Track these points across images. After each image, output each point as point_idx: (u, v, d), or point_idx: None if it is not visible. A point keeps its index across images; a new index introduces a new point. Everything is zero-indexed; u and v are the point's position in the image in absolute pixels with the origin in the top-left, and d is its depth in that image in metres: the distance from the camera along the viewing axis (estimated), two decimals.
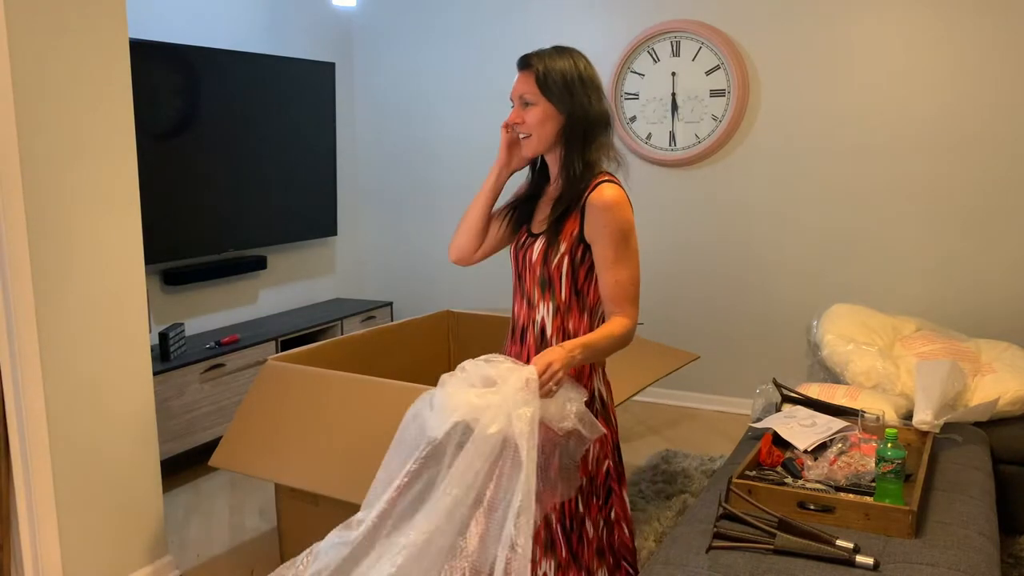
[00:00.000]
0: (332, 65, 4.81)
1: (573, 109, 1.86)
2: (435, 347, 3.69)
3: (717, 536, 1.97)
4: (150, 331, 2.96)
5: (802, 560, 1.88)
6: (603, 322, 1.92)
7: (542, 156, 1.98)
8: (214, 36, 4.28)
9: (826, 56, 4.09)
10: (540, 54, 1.88)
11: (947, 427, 2.74)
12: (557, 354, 1.73)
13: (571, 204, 1.87)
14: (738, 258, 4.42)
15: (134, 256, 2.67)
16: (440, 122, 5.12)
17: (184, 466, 3.86)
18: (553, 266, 1.89)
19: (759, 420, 2.75)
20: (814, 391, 3.01)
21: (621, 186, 1.88)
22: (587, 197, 1.85)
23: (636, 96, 4.52)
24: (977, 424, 2.90)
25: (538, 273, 1.92)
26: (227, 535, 3.20)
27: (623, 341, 1.85)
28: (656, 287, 4.63)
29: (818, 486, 2.21)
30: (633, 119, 4.55)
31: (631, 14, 4.49)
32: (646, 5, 4.44)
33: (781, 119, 4.23)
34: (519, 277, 1.99)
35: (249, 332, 4.23)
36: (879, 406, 2.82)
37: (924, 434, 2.63)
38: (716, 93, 4.33)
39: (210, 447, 3.83)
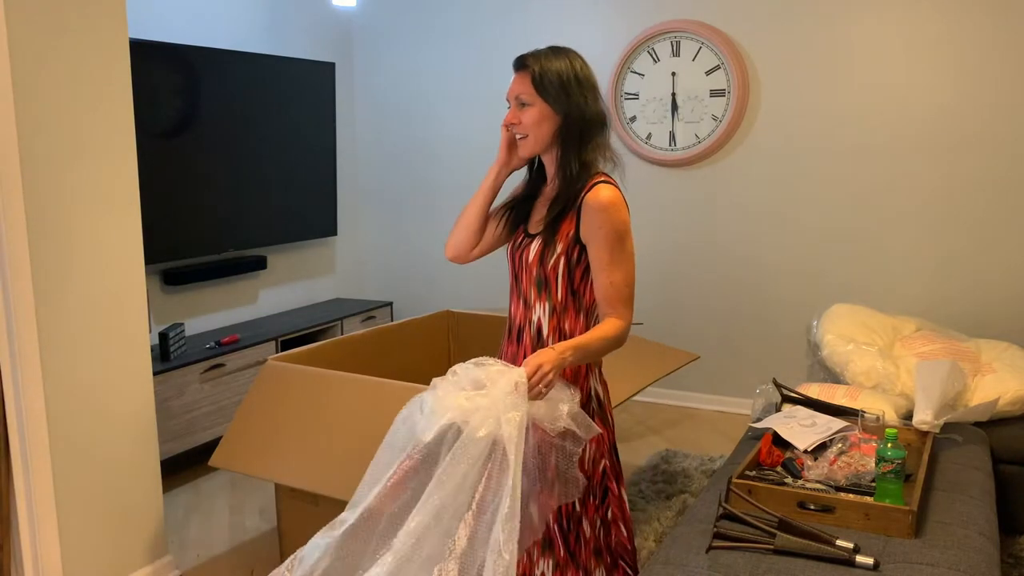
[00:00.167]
0: (332, 65, 4.81)
1: (569, 109, 1.86)
2: (435, 347, 3.68)
3: (717, 536, 1.97)
4: (150, 331, 2.96)
5: (802, 560, 1.88)
6: (599, 322, 1.92)
7: (539, 156, 1.98)
8: (214, 36, 4.28)
9: (826, 56, 4.09)
10: (536, 55, 1.88)
11: (947, 427, 2.74)
12: (547, 356, 1.73)
13: (568, 205, 1.87)
14: (738, 258, 4.42)
15: (134, 256, 2.67)
16: (440, 122, 5.12)
17: (184, 466, 3.86)
18: (549, 267, 1.89)
19: (759, 420, 2.75)
20: (814, 391, 3.01)
21: (617, 187, 1.88)
22: (583, 198, 1.85)
23: (636, 96, 4.52)
24: (977, 424, 2.90)
25: (534, 273, 1.92)
26: (227, 535, 3.20)
27: (616, 342, 1.85)
28: (656, 287, 4.63)
29: (818, 486, 2.21)
30: (633, 119, 4.55)
31: (631, 14, 4.49)
32: (646, 5, 4.44)
33: (781, 119, 4.23)
34: (515, 277, 1.99)
35: (249, 332, 4.23)
36: (879, 406, 2.82)
37: (924, 434, 2.63)
38: (716, 93, 4.33)
39: (210, 447, 3.83)
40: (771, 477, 2.28)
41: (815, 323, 3.60)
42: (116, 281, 2.61)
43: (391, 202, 5.38)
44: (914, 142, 3.97)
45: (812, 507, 2.09)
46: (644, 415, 4.50)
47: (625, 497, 2.07)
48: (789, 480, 2.27)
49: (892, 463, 2.07)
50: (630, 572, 2.08)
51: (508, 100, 1.92)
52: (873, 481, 2.18)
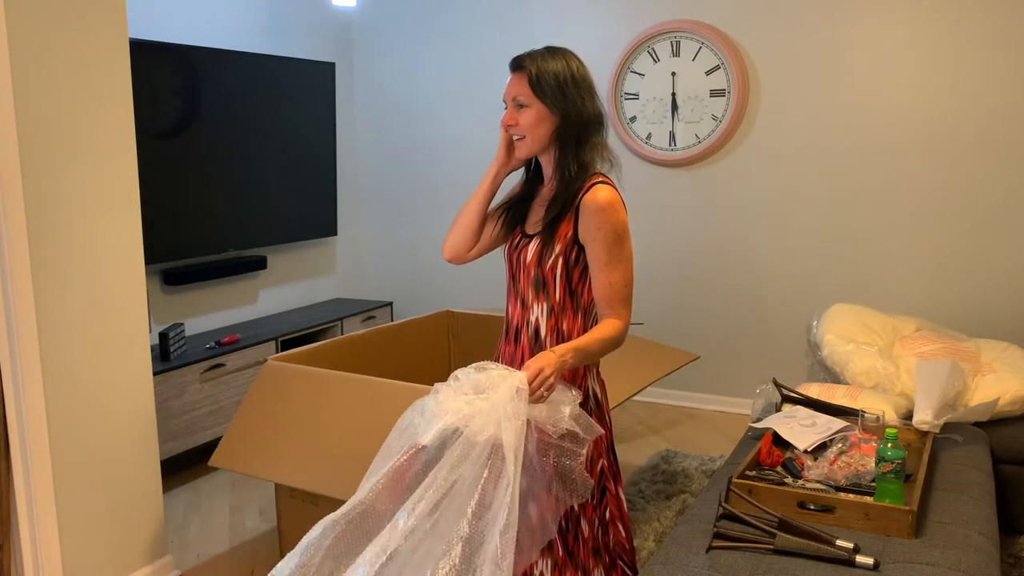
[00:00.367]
0: (332, 65, 4.81)
1: (567, 110, 1.85)
2: (435, 347, 3.69)
3: (717, 536, 1.97)
4: (150, 331, 2.96)
5: (802, 560, 1.88)
6: (597, 323, 1.92)
7: (536, 157, 1.98)
8: (214, 36, 4.28)
9: (826, 56, 4.09)
10: (532, 55, 1.88)
11: (947, 427, 2.74)
12: (548, 360, 1.72)
13: (566, 205, 1.87)
14: (738, 258, 4.42)
15: (134, 256, 2.67)
16: (440, 122, 5.13)
17: (184, 466, 3.86)
18: (548, 267, 1.89)
19: (759, 420, 2.75)
20: (814, 391, 3.01)
21: (615, 187, 1.88)
22: (581, 198, 1.84)
23: (636, 96, 4.52)
24: (977, 424, 2.90)
25: (532, 274, 1.92)
26: (227, 535, 3.20)
27: (615, 343, 1.85)
28: (656, 287, 4.63)
29: (818, 486, 2.21)
30: (633, 119, 4.55)
31: (631, 14, 4.49)
32: (646, 5, 4.44)
33: (781, 119, 4.23)
34: (513, 278, 1.99)
35: (249, 332, 4.23)
36: (879, 406, 2.82)
37: (924, 434, 2.63)
38: (716, 93, 4.33)
39: (210, 447, 3.83)
40: (771, 477, 2.28)
41: (815, 323, 3.60)
42: (116, 281, 2.61)
43: (391, 202, 5.38)
44: (914, 142, 3.97)
45: (812, 507, 2.09)
46: (644, 415, 4.50)
47: (623, 497, 2.07)
48: (789, 480, 2.27)
49: (892, 463, 2.07)
50: (629, 572, 2.08)
51: (505, 101, 1.92)
52: (873, 481, 2.18)
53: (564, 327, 1.91)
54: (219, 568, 2.96)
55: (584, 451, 1.79)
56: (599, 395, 2.00)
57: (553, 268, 1.89)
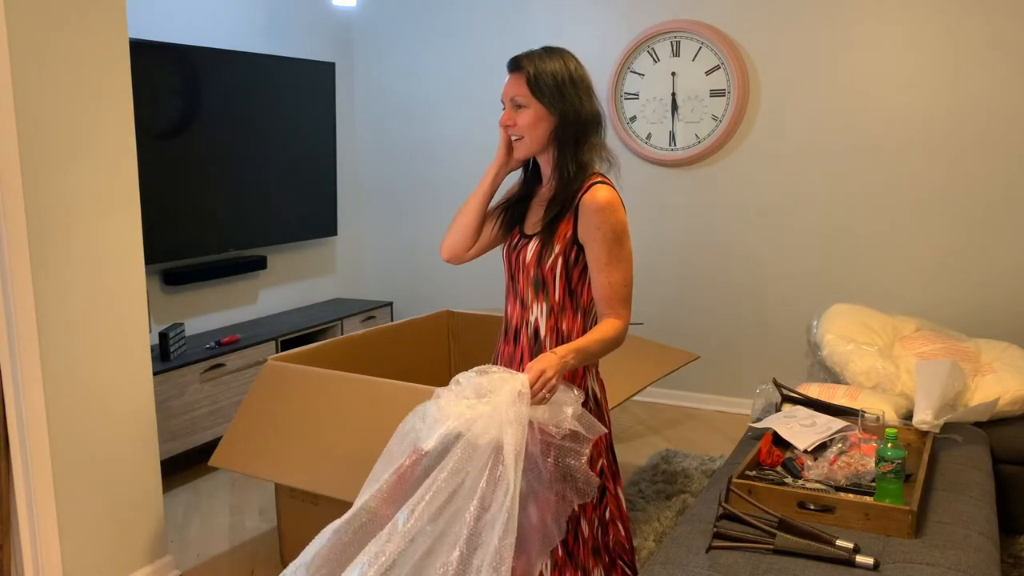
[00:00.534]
0: (332, 65, 4.81)
1: (565, 110, 1.85)
2: (435, 347, 3.69)
3: (717, 536, 1.97)
4: (150, 331, 2.96)
5: (802, 560, 1.88)
6: (596, 322, 1.92)
7: (534, 157, 1.98)
8: (214, 36, 4.28)
9: (826, 56, 4.09)
10: (530, 55, 1.87)
11: (947, 427, 2.74)
12: (549, 361, 1.72)
13: (565, 205, 1.87)
14: (738, 258, 4.42)
15: (134, 256, 2.67)
16: (440, 122, 5.13)
17: (184, 466, 3.86)
18: (547, 267, 1.89)
19: (759, 420, 2.75)
20: (814, 391, 3.01)
21: (614, 187, 1.88)
22: (580, 199, 1.84)
23: (636, 96, 4.52)
24: (977, 424, 2.90)
25: (532, 274, 1.92)
26: (227, 535, 3.20)
27: (615, 343, 1.85)
28: (656, 287, 4.63)
29: (818, 486, 2.21)
30: (633, 119, 4.55)
31: (631, 14, 4.49)
32: (646, 5, 4.44)
33: (781, 119, 4.23)
34: (512, 278, 1.99)
35: (249, 332, 4.23)
36: (879, 406, 2.82)
37: (924, 434, 2.63)
38: (716, 93, 4.33)
39: (210, 447, 3.83)
40: (771, 477, 2.28)
41: (815, 323, 3.60)
42: (116, 281, 2.61)
43: (391, 202, 5.38)
44: (914, 142, 3.97)
45: (812, 507, 2.09)
46: (644, 415, 4.50)
47: (622, 496, 2.07)
48: (789, 480, 2.27)
49: (892, 463, 2.07)
50: (628, 571, 2.08)
51: (503, 102, 1.91)
52: (873, 481, 2.18)
53: (564, 327, 1.91)
54: (219, 568, 2.96)
55: (587, 450, 1.79)
56: (599, 395, 2.00)
57: (553, 268, 1.89)
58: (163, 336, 3.68)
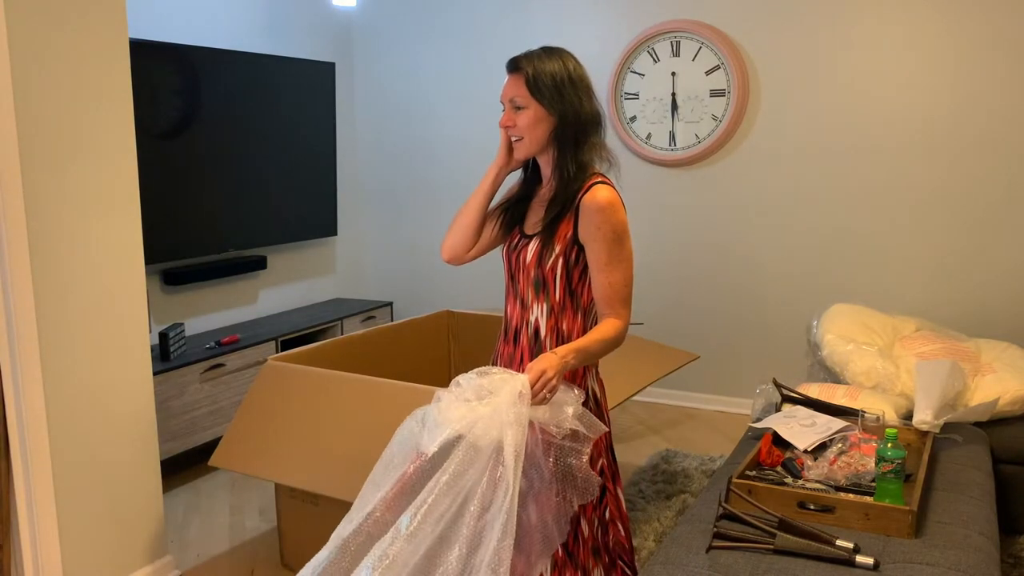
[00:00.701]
0: (332, 65, 4.81)
1: (564, 110, 1.85)
2: (435, 347, 3.69)
3: (717, 536, 1.97)
4: (150, 331, 2.96)
5: (802, 560, 1.88)
6: (596, 323, 1.91)
7: (534, 157, 1.98)
8: (214, 36, 4.28)
9: (826, 56, 4.09)
10: (529, 56, 1.87)
11: (947, 427, 2.74)
12: (550, 362, 1.73)
13: (565, 206, 1.87)
14: (738, 258, 4.42)
15: (134, 256, 2.67)
16: (440, 122, 5.13)
17: (184, 466, 3.86)
18: (547, 268, 1.89)
19: (759, 420, 2.75)
20: (814, 391, 3.01)
21: (614, 187, 1.88)
22: (581, 199, 1.84)
23: (636, 96, 4.52)
24: (977, 424, 2.90)
25: (532, 274, 1.92)
26: (227, 535, 3.20)
27: (615, 343, 1.86)
28: (656, 287, 4.63)
29: (818, 486, 2.21)
30: (633, 119, 4.55)
31: (631, 14, 4.49)
32: (646, 5, 4.44)
33: (781, 119, 4.23)
34: (512, 278, 1.99)
35: (249, 332, 4.23)
36: (879, 406, 2.82)
37: (924, 434, 2.63)
38: (716, 93, 4.33)
39: (210, 447, 3.83)
40: (771, 477, 2.28)
41: (815, 323, 3.60)
42: (116, 281, 2.61)
43: (391, 202, 5.38)
44: (914, 142, 3.97)
45: (812, 507, 2.09)
46: (644, 415, 4.50)
47: (622, 496, 2.07)
48: (789, 480, 2.27)
49: (892, 463, 2.07)
50: (628, 571, 2.08)
51: (502, 103, 1.91)
52: (873, 481, 2.18)
53: (564, 327, 1.91)
54: (219, 568, 2.96)
55: (588, 449, 1.79)
56: (598, 395, 2.00)
57: (553, 268, 1.89)
58: (163, 336, 3.68)
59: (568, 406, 1.75)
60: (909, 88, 3.95)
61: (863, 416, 2.62)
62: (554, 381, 1.72)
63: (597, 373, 2.00)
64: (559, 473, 1.78)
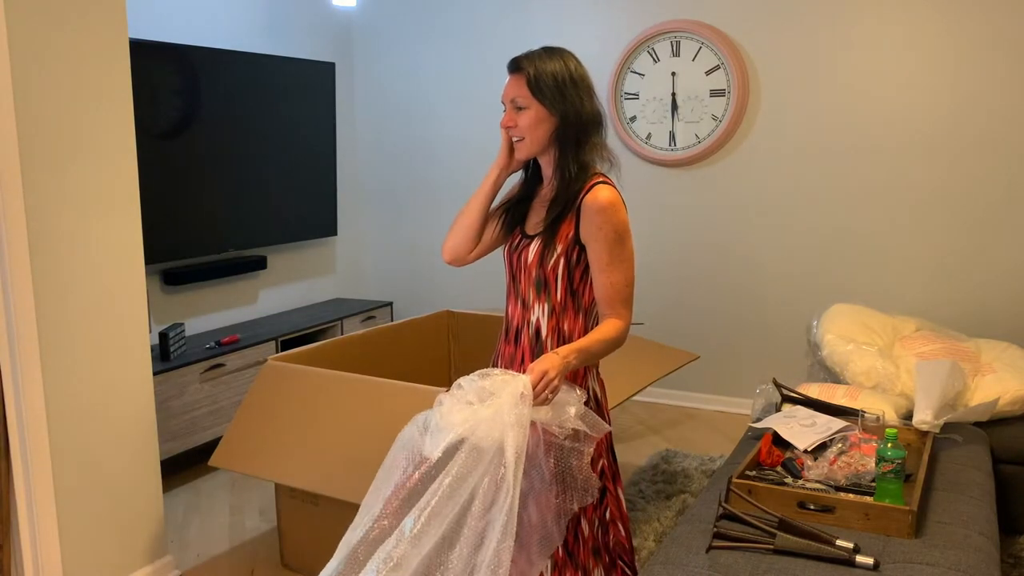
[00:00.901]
0: (332, 65, 4.81)
1: (566, 111, 1.85)
2: (435, 347, 3.69)
3: (717, 536, 1.97)
4: (150, 331, 2.96)
5: (802, 560, 1.88)
6: (598, 323, 1.92)
7: (535, 157, 1.97)
8: (214, 36, 4.28)
9: (826, 56, 4.09)
10: (530, 56, 1.87)
11: (947, 427, 2.74)
12: (552, 362, 1.73)
13: (566, 206, 1.87)
14: (738, 258, 4.42)
15: (134, 256, 2.67)
16: (440, 122, 5.13)
17: (184, 466, 3.86)
18: (549, 268, 1.89)
19: (759, 420, 2.75)
20: (814, 391, 3.01)
21: (615, 187, 1.88)
22: (582, 199, 1.84)
23: (636, 96, 4.52)
24: (977, 424, 2.90)
25: (534, 275, 1.92)
26: (227, 535, 3.20)
27: (616, 343, 1.86)
28: (656, 287, 4.63)
29: (818, 486, 2.21)
30: (633, 119, 4.55)
31: (631, 14, 4.49)
32: (646, 5, 4.44)
33: (781, 119, 4.23)
34: (513, 279, 1.99)
35: (249, 332, 4.23)
36: (879, 406, 2.82)
37: (924, 434, 2.63)
38: (716, 93, 4.33)
39: (210, 447, 3.83)
40: (771, 477, 2.28)
41: (815, 323, 3.60)
42: (116, 281, 2.61)
43: (391, 202, 5.38)
44: (914, 142, 3.97)
45: (812, 507, 2.09)
46: (644, 415, 4.50)
47: (622, 496, 2.07)
48: (789, 480, 2.27)
49: (892, 463, 2.07)
50: (628, 571, 2.08)
51: (503, 103, 1.91)
52: (873, 481, 2.18)
53: (565, 328, 1.91)
54: (219, 568, 2.96)
55: (590, 449, 1.79)
56: (599, 395, 2.00)
57: (555, 269, 1.89)
58: (163, 336, 3.68)
59: (571, 406, 1.75)
60: (909, 88, 3.95)
61: (863, 416, 2.62)
62: (556, 381, 1.72)
63: (598, 373, 2.00)
64: (559, 474, 1.78)
